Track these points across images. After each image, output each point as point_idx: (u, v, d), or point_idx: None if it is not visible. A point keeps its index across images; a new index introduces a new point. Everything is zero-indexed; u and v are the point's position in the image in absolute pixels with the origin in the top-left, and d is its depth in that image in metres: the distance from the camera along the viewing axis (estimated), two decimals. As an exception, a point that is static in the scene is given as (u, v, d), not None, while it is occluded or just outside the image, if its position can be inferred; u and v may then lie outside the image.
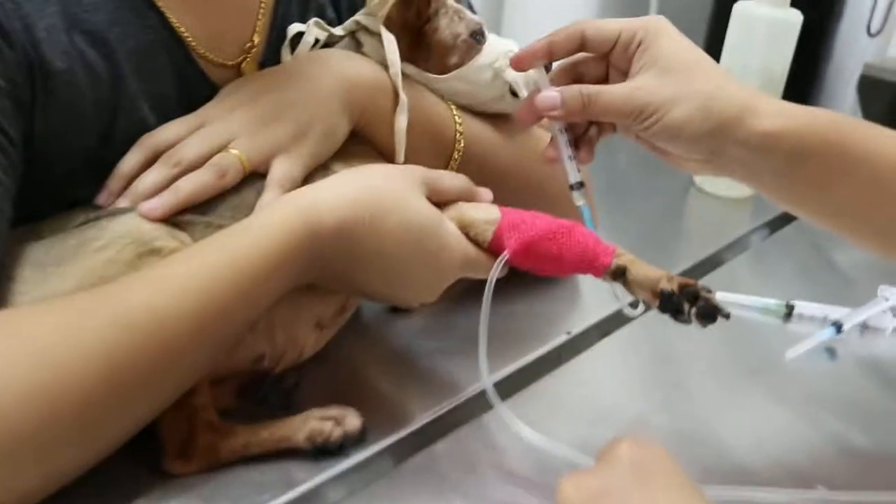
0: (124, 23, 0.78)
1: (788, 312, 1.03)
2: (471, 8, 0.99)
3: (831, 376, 0.95)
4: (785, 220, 1.28)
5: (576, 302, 1.03)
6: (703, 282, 1.05)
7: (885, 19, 1.59)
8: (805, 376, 0.94)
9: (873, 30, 1.59)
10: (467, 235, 0.78)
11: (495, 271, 0.76)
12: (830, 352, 0.98)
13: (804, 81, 1.58)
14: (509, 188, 0.89)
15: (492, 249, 0.77)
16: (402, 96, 0.86)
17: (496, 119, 0.96)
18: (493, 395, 0.75)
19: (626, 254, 0.75)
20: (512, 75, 0.93)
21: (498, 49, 0.93)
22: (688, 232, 1.33)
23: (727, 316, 0.70)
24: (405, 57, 0.89)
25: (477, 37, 0.92)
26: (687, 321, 0.71)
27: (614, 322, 0.99)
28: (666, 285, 0.72)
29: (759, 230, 1.28)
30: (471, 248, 0.77)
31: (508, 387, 0.86)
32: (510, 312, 0.96)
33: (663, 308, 0.72)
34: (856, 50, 1.63)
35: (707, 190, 1.36)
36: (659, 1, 1.85)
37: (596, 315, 1.00)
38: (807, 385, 0.92)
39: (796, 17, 1.28)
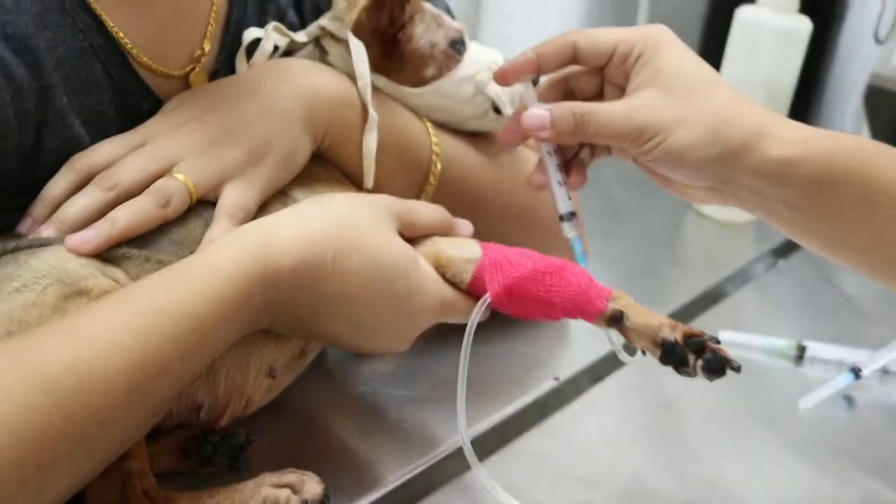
0: (53, 27, 0.70)
1: (800, 354, 0.97)
2: (449, 13, 0.91)
3: (851, 427, 0.89)
4: (791, 246, 1.21)
5: (563, 342, 0.96)
6: (704, 319, 1.01)
7: (895, 24, 1.51)
8: (822, 428, 0.88)
9: (881, 36, 1.51)
10: (444, 276, 0.72)
11: (475, 317, 0.71)
12: (848, 400, 0.92)
13: (802, 92, 1.50)
14: (489, 216, 0.85)
15: (471, 291, 0.72)
16: (372, 112, 0.80)
17: (476, 138, 0.90)
18: (471, 457, 0.70)
19: (623, 296, 0.70)
20: (495, 90, 0.86)
21: (480, 60, 0.86)
22: (684, 260, 1.25)
23: (737, 369, 0.65)
24: (376, 67, 0.82)
25: (457, 46, 0.85)
26: (691, 374, 0.66)
27: (607, 365, 0.92)
28: (668, 335, 0.67)
29: (763, 259, 1.21)
30: (448, 291, 0.72)
31: (489, 442, 0.80)
32: (489, 354, 0.89)
33: (665, 360, 0.67)
34: (859, 58, 1.55)
35: (706, 213, 1.28)
36: (650, 4, 1.77)
37: (586, 357, 0.93)
38: (826, 438, 0.86)
39: (805, 25, 1.23)
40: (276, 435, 0.77)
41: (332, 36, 0.82)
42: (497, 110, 0.87)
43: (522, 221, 0.88)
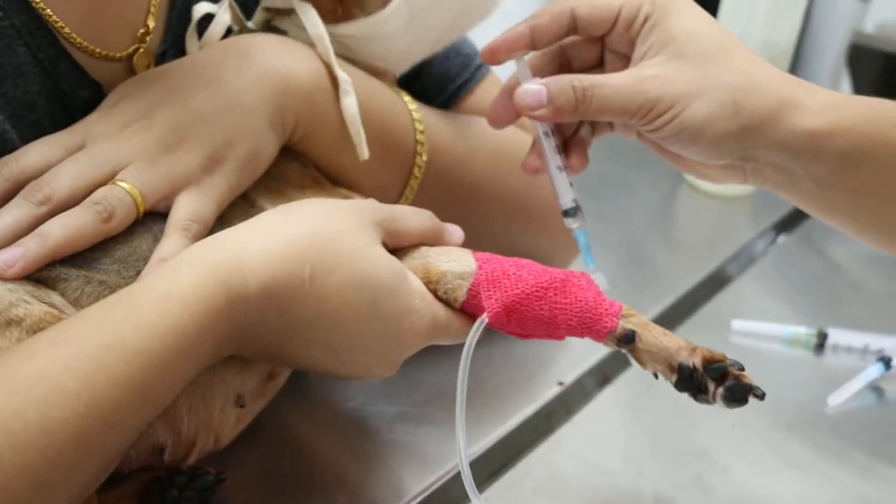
0: None
1: (820, 343, 0.88)
2: None
3: (886, 423, 0.81)
4: (792, 220, 1.13)
5: (566, 341, 0.85)
6: (710, 308, 0.93)
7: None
8: (855, 426, 0.80)
9: (864, -8, 1.45)
10: (435, 293, 0.65)
11: (472, 340, 0.64)
12: (877, 392, 0.84)
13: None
14: (484, 208, 0.79)
15: (466, 310, 0.65)
16: (342, 75, 0.70)
17: (464, 118, 0.80)
18: (471, 488, 0.63)
19: (634, 313, 0.64)
20: None
21: None
22: (681, 242, 1.15)
23: (761, 396, 0.61)
24: (336, 17, 0.72)
25: None
26: (710, 402, 0.62)
27: (615, 365, 0.84)
28: (686, 359, 0.62)
29: (764, 235, 1.12)
30: (440, 310, 0.65)
31: (492, 462, 0.74)
32: (487, 358, 0.79)
33: (681, 387, 0.62)
34: (839, 16, 1.48)
35: (701, 187, 1.19)
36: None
37: (591, 356, 0.84)
38: (861, 438, 0.79)
39: (804, -17, 1.14)
40: (252, 467, 0.70)
41: (280, 11, 0.72)
42: None
43: (521, 211, 0.80)
